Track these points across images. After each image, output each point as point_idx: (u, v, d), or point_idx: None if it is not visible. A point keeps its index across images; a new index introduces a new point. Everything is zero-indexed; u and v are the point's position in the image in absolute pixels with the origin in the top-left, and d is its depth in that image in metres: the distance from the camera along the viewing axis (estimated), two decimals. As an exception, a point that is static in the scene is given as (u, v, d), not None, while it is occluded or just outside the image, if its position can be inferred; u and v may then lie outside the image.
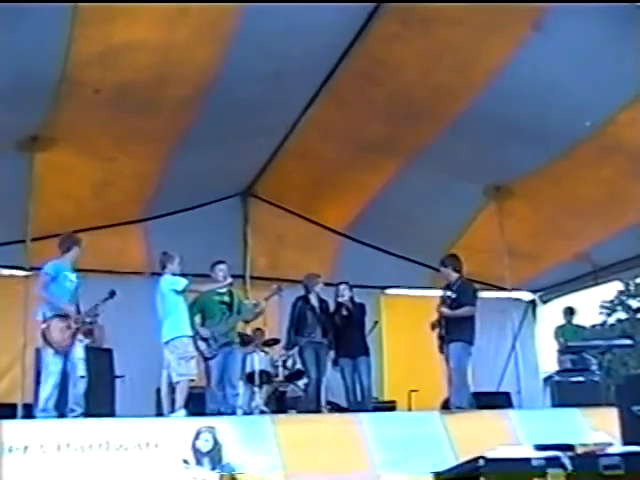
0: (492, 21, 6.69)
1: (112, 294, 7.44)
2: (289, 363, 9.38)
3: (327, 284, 9.36)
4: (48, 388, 6.99)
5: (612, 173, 8.52)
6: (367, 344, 9.02)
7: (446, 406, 8.62)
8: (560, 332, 10.94)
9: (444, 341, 8.38)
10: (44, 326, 7.03)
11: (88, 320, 7.36)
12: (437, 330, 8.50)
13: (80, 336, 7.23)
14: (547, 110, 7.61)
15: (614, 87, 7.12)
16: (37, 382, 8.10)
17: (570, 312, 11.14)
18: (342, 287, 9.06)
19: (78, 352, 7.19)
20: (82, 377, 7.13)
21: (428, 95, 7.85)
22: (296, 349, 9.04)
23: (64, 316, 7.16)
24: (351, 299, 9.01)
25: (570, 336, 10.70)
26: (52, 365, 7.03)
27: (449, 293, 8.48)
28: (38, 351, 8.24)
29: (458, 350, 8.28)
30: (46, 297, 7.17)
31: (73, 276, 7.42)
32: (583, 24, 6.49)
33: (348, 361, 8.80)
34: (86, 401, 7.18)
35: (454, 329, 8.31)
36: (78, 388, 7.09)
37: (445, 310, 8.35)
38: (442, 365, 8.64)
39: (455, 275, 8.69)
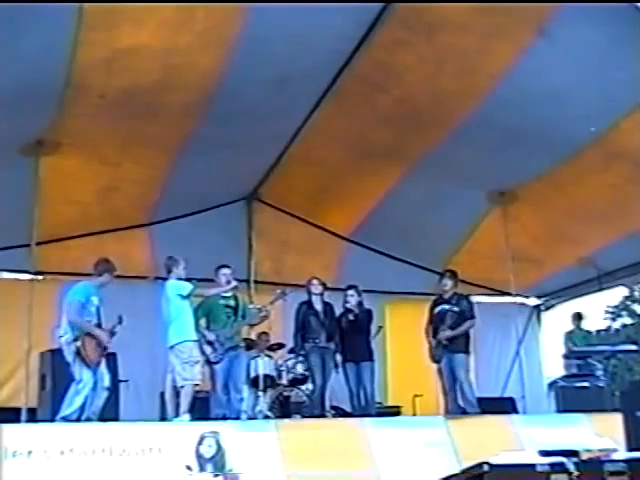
0: (496, 28, 6.70)
1: (120, 320, 7.62)
2: (298, 368, 9.31)
3: (332, 289, 9.35)
4: (80, 398, 7.12)
5: (616, 179, 8.52)
6: (372, 349, 9.00)
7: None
8: (570, 337, 10.95)
9: (444, 350, 8.56)
10: (78, 344, 7.23)
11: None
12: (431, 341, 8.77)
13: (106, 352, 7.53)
14: (551, 116, 7.61)
15: (618, 93, 7.11)
16: (42, 387, 8.14)
17: (579, 317, 11.17)
18: (350, 292, 9.04)
19: (103, 365, 7.42)
20: (108, 389, 7.34)
21: (432, 101, 7.85)
22: (301, 354, 9.04)
23: (95, 335, 7.36)
24: (359, 303, 9.00)
25: (580, 341, 10.73)
26: (86, 376, 7.20)
27: (455, 308, 8.67)
28: (42, 355, 8.28)
29: (465, 361, 8.61)
30: (80, 322, 7.32)
31: (96, 299, 7.54)
32: (587, 31, 6.48)
33: (352, 366, 8.79)
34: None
35: (460, 341, 8.64)
36: (101, 398, 7.27)
37: (449, 333, 8.57)
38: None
39: (452, 288, 8.87)
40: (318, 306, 8.99)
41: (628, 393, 5.86)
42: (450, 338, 8.56)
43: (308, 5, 6.33)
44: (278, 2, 6.31)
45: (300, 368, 9.20)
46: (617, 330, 24.34)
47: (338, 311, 9.04)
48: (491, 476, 4.24)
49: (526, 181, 9.16)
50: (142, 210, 10.19)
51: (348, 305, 8.96)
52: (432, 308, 8.91)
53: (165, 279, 7.93)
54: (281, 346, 9.73)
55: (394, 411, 10.18)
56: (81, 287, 7.56)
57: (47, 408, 7.75)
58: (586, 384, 9.36)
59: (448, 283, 8.89)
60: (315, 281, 9.04)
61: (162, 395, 8.03)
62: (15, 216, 8.39)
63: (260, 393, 9.02)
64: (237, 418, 7.92)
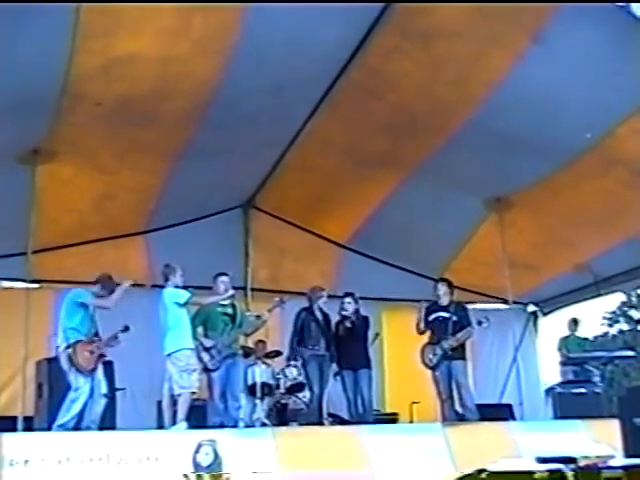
0: (491, 34, 6.71)
1: (126, 328, 7.78)
2: (291, 373, 9.32)
3: (329, 296, 9.34)
4: (78, 406, 7.18)
5: (613, 185, 8.52)
6: (369, 357, 8.99)
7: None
8: (564, 343, 10.95)
9: (446, 358, 8.58)
10: (70, 351, 7.31)
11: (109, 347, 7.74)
12: (430, 348, 8.75)
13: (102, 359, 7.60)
14: (547, 122, 7.62)
15: (614, 99, 7.13)
16: (38, 395, 8.13)
17: (575, 323, 11.16)
18: (347, 300, 9.04)
19: (100, 372, 7.49)
20: (105, 396, 7.43)
21: (428, 108, 7.86)
22: (299, 361, 9.04)
23: (88, 342, 7.42)
24: (356, 311, 9.00)
25: (574, 348, 10.71)
26: (81, 383, 7.27)
27: (454, 317, 8.67)
28: (39, 364, 8.27)
29: (464, 367, 8.66)
30: (71, 328, 7.40)
31: (92, 307, 7.64)
32: (582, 37, 6.50)
33: (349, 373, 8.78)
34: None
35: (459, 348, 8.65)
36: (100, 405, 7.35)
37: (454, 342, 8.56)
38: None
39: (448, 297, 8.88)
40: (318, 314, 8.99)
41: (625, 399, 5.83)
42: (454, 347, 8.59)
43: (304, 13, 6.34)
44: (276, 2, 6.30)
45: (295, 373, 9.21)
46: (614, 336, 24.33)
47: (334, 320, 9.05)
48: (489, 483, 4.23)
49: (523, 187, 9.17)
50: (139, 218, 10.18)
51: (345, 312, 8.96)
52: (427, 314, 8.89)
53: (162, 287, 7.93)
54: (278, 354, 9.72)
55: (391, 418, 10.17)
56: (80, 291, 7.66)
57: (44, 417, 7.74)
58: (583, 390, 9.35)
59: (442, 289, 8.89)
60: (324, 292, 9.06)
61: (159, 403, 8.00)
62: (11, 224, 8.38)
63: (257, 401, 9.01)
64: (234, 426, 7.91)
